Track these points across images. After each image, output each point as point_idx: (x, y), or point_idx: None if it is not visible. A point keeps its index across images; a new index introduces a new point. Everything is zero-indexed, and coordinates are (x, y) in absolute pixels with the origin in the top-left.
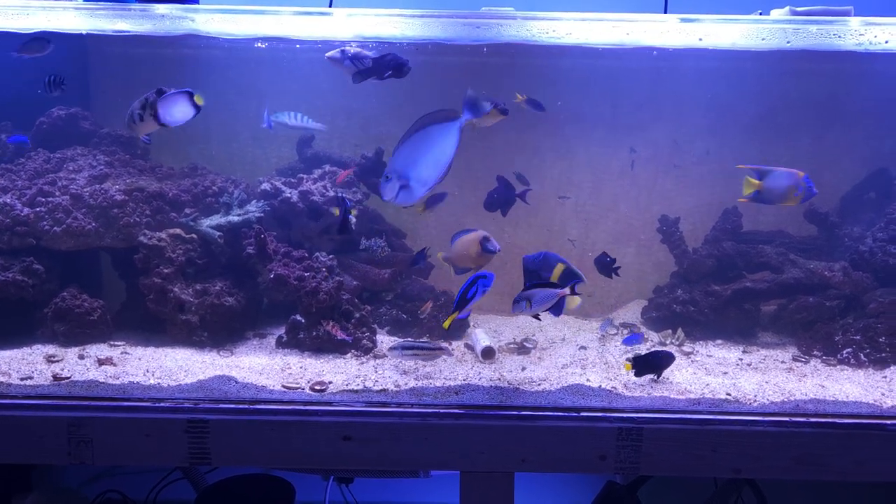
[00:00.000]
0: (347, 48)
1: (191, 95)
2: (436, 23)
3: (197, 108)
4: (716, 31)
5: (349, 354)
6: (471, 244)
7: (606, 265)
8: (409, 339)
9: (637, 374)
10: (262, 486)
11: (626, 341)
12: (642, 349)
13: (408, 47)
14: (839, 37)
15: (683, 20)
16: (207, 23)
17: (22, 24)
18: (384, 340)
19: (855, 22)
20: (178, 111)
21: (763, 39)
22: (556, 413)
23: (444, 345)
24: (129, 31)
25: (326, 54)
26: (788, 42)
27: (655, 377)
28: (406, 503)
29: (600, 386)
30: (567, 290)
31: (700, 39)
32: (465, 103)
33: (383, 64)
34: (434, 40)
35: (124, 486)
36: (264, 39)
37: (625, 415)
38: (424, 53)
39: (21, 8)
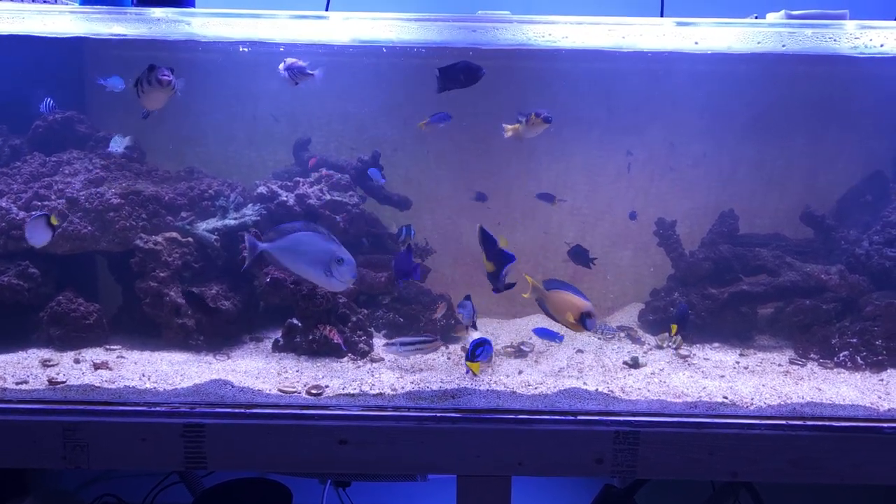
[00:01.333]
0: (287, 59)
1: (47, 218)
2: (432, 26)
3: (53, 228)
4: (711, 35)
5: (346, 358)
6: (572, 308)
7: (581, 256)
8: (407, 336)
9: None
10: (259, 490)
11: (538, 332)
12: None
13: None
14: (834, 40)
15: (679, 24)
16: (203, 26)
17: (17, 27)
18: (381, 344)
19: (850, 26)
20: (37, 234)
21: (759, 43)
22: (552, 416)
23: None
24: (125, 35)
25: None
26: (784, 46)
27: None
28: None
29: (597, 389)
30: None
31: (696, 43)
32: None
33: (454, 71)
34: (430, 44)
35: (121, 490)
36: (261, 42)
37: (621, 418)
38: (419, 56)
39: (16, 11)
